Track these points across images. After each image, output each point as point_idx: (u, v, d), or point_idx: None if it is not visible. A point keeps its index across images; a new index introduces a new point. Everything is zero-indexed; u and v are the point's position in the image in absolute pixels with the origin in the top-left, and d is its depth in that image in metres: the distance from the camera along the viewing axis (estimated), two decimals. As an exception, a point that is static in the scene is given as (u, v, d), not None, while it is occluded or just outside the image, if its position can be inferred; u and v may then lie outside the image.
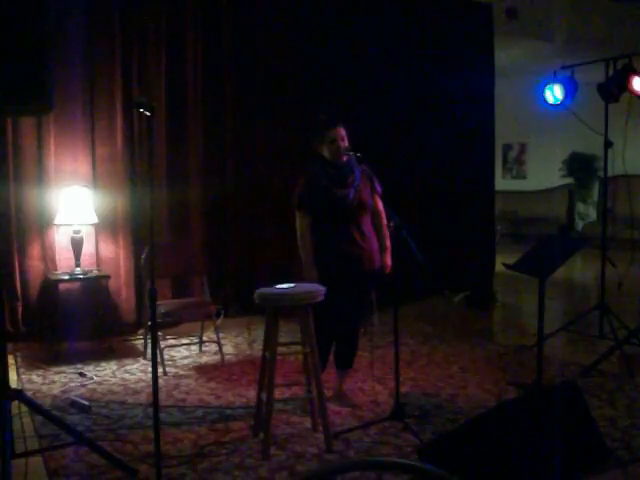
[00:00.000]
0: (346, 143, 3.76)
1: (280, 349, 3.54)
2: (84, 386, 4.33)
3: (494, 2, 7.74)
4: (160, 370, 4.36)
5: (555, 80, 5.64)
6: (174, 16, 5.85)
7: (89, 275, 5.22)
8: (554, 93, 5.65)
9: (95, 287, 5.35)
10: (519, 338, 5.48)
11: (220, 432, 3.53)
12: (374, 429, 3.52)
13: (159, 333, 5.22)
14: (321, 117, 3.94)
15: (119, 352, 5.14)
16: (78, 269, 5.14)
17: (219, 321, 5.60)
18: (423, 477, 1.25)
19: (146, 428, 3.54)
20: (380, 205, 3.90)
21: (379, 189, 3.82)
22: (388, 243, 3.91)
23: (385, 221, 3.91)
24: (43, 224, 5.34)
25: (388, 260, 3.92)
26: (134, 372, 4.66)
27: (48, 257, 5.39)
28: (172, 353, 5.14)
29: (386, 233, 3.90)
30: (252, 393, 3.98)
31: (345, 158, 3.75)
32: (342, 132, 3.76)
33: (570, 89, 5.54)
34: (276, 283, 3.48)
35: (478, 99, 7.58)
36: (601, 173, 6.43)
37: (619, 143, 5.35)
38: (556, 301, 7.08)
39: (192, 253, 5.54)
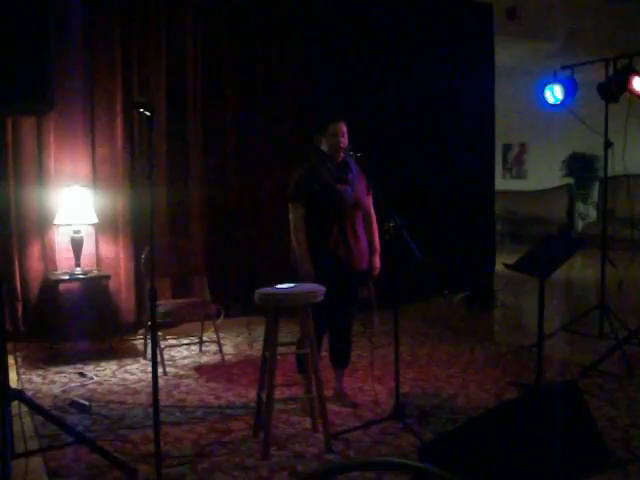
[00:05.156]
0: (346, 140, 3.77)
1: (280, 349, 3.54)
2: (84, 386, 4.33)
3: (494, 2, 7.73)
4: (160, 370, 4.36)
5: (555, 80, 5.64)
6: (174, 16, 5.85)
7: (89, 275, 5.22)
8: (554, 93, 5.65)
9: (95, 287, 5.35)
10: (519, 338, 5.48)
11: (220, 432, 3.53)
12: (374, 429, 3.52)
13: (159, 333, 5.22)
14: (325, 111, 3.97)
15: (119, 352, 5.14)
16: (78, 269, 5.14)
17: (219, 321, 5.60)
18: (423, 477, 1.25)
19: (146, 428, 3.54)
20: (372, 206, 3.92)
21: (371, 191, 3.85)
22: (377, 245, 3.93)
23: (376, 223, 3.92)
24: (43, 224, 5.34)
25: (377, 262, 3.94)
26: (134, 372, 4.66)
27: (48, 257, 5.39)
28: (172, 353, 5.14)
29: (376, 234, 3.93)
30: (252, 393, 3.98)
31: (342, 155, 3.76)
32: (344, 128, 3.77)
33: (570, 89, 5.55)
34: (276, 283, 3.48)
35: (478, 99, 7.57)
36: (601, 173, 6.43)
37: (619, 143, 5.34)
38: (556, 301, 7.08)
39: (192, 253, 5.54)
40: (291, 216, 3.79)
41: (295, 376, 4.06)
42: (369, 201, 3.91)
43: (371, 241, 3.93)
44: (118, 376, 4.56)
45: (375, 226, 3.94)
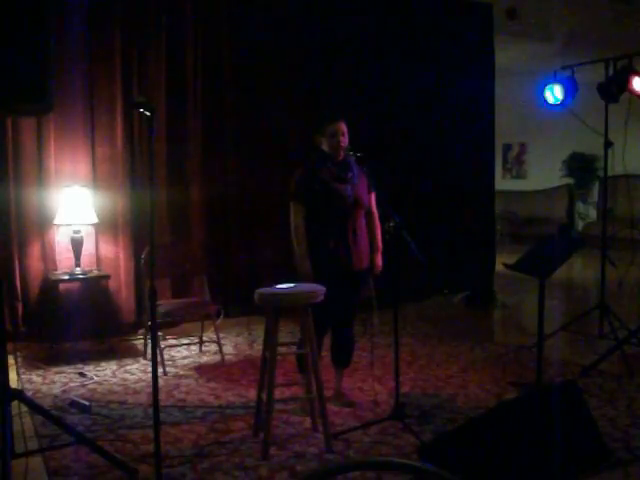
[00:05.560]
0: (346, 140, 3.77)
1: (280, 349, 3.54)
2: (84, 386, 4.33)
3: (494, 2, 7.73)
4: (160, 370, 4.36)
5: (555, 80, 5.64)
6: (174, 16, 5.85)
7: (89, 275, 5.22)
8: (554, 93, 5.65)
9: (95, 287, 5.35)
10: (519, 338, 5.49)
11: (220, 432, 3.53)
12: (374, 429, 3.52)
13: (159, 333, 5.22)
14: (325, 111, 3.96)
15: (119, 352, 5.14)
16: (78, 269, 5.14)
17: (219, 321, 5.60)
18: (423, 477, 1.25)
19: (146, 428, 3.54)
20: (374, 205, 3.92)
21: (374, 189, 3.84)
22: (380, 244, 3.93)
23: (378, 221, 3.92)
24: (43, 224, 5.34)
25: (379, 260, 3.93)
26: (134, 372, 4.66)
27: (48, 257, 5.39)
28: (172, 353, 5.14)
29: (379, 233, 3.92)
30: (252, 393, 3.98)
31: (342, 155, 3.76)
32: (343, 128, 3.77)
33: (570, 89, 5.55)
34: (276, 283, 3.48)
35: (478, 99, 7.58)
36: (601, 173, 6.43)
37: (619, 143, 5.35)
38: (556, 301, 7.08)
39: (192, 253, 5.54)
40: (292, 216, 3.80)
41: (295, 376, 4.06)
42: (371, 200, 3.91)
43: (373, 240, 3.93)
44: (118, 376, 4.56)
45: (378, 224, 3.93)
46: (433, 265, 4.13)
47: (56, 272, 5.30)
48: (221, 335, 5.12)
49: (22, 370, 4.67)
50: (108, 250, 5.60)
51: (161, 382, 4.07)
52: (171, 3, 5.85)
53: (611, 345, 4.69)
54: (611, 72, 5.26)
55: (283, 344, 3.80)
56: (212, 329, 5.09)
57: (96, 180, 5.53)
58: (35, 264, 5.37)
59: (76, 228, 5.15)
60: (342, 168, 3.78)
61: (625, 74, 5.11)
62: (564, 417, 2.67)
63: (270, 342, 3.34)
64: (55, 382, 4.41)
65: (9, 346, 4.52)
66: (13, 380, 4.33)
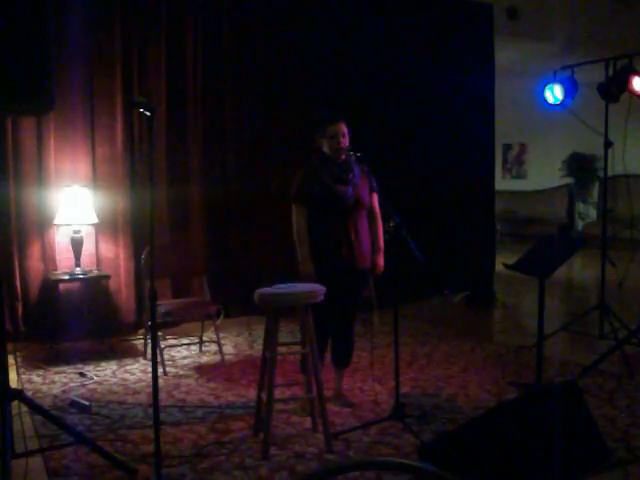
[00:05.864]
0: (347, 141, 3.76)
1: (280, 349, 3.54)
2: (84, 386, 4.33)
3: (494, 2, 7.73)
4: (160, 370, 4.36)
5: (555, 80, 5.64)
6: (174, 16, 5.85)
7: (89, 275, 5.22)
8: (554, 93, 5.65)
9: (95, 287, 5.35)
10: (519, 338, 5.49)
11: (220, 432, 3.53)
12: (374, 429, 3.52)
13: (159, 333, 5.22)
14: (325, 112, 3.95)
15: (119, 352, 5.14)
16: (78, 269, 5.14)
17: (219, 321, 5.60)
18: (423, 477, 1.25)
19: (146, 428, 3.54)
20: (377, 205, 3.92)
21: (376, 189, 3.84)
22: (382, 244, 3.93)
23: (380, 221, 3.92)
24: (43, 224, 5.34)
25: (380, 260, 3.93)
26: (134, 372, 4.66)
27: (48, 257, 5.38)
28: (172, 353, 5.14)
29: (381, 233, 3.92)
30: (252, 393, 3.98)
31: (343, 156, 3.75)
32: (344, 129, 3.76)
33: (570, 89, 5.55)
34: (276, 283, 3.48)
35: (478, 99, 7.58)
36: (601, 173, 6.43)
37: (619, 143, 5.35)
38: (556, 301, 7.08)
39: (192, 253, 5.55)
40: (294, 217, 3.80)
41: (296, 376, 4.06)
42: (373, 200, 3.91)
43: (375, 240, 3.93)
44: (118, 376, 4.56)
45: (380, 224, 3.94)
46: (433, 265, 4.14)
47: (56, 272, 5.30)
48: (221, 335, 5.12)
49: (22, 370, 4.67)
50: (108, 250, 5.60)
51: (161, 382, 4.07)
52: (171, 3, 5.85)
53: (611, 345, 4.69)
54: (611, 72, 5.26)
55: (283, 344, 3.80)
56: (212, 329, 5.09)
57: (96, 180, 5.53)
58: (35, 264, 5.37)
59: (76, 228, 5.15)
60: (343, 169, 3.78)
61: (625, 74, 5.11)
62: (564, 417, 2.67)
63: (270, 342, 3.34)
64: (55, 382, 4.41)
65: (9, 346, 4.52)
66: (13, 380, 4.33)
